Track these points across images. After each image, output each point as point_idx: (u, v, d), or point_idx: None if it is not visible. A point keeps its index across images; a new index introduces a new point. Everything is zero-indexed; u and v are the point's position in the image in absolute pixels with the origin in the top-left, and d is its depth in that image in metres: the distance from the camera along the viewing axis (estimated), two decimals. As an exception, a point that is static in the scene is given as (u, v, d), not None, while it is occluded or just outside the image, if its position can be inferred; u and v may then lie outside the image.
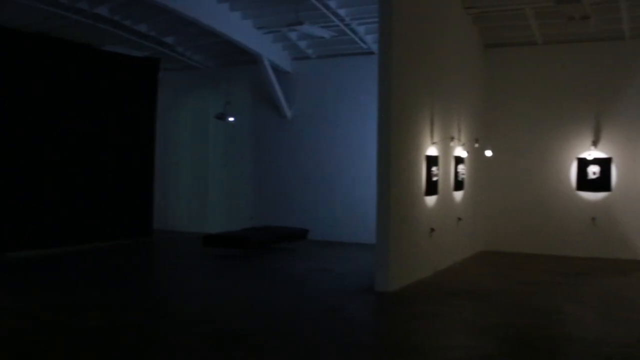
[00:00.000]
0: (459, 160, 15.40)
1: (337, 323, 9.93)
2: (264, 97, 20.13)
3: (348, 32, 17.54)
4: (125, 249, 17.61)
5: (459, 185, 15.48)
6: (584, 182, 16.70)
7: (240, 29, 17.42)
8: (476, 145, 16.19)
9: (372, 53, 17.48)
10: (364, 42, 18.15)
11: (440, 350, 8.63)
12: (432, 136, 13.76)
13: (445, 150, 14.61)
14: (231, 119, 18.13)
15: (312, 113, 19.65)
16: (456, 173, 15.25)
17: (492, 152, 16.66)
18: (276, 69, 19.45)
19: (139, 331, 9.18)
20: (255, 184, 20.58)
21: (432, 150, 13.73)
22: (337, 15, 16.60)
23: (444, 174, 14.57)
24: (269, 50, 18.86)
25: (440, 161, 14.22)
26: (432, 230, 13.74)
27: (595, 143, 16.67)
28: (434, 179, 13.80)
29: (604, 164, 16.52)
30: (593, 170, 16.60)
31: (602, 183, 16.53)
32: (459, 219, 15.55)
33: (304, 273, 14.29)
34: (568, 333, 9.63)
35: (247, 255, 16.31)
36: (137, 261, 16.30)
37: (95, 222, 17.67)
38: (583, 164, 16.70)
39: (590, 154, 16.64)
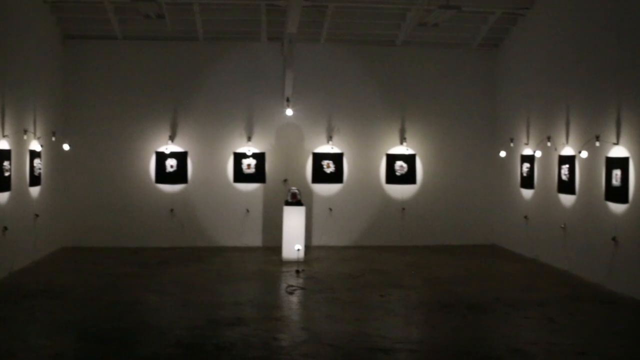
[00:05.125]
0: (34, 154, 14.71)
1: None
2: None
3: None
4: None
5: (35, 180, 14.79)
6: (162, 175, 17.27)
7: None
8: (53, 139, 15.66)
9: None
10: None
11: (10, 355, 8.19)
12: (2, 129, 12.92)
13: (19, 143, 13.83)
14: None
15: None
16: (32, 168, 14.55)
17: (70, 146, 16.24)
18: None
19: None
20: None
21: (3, 144, 12.88)
22: None
23: (18, 168, 13.77)
24: None
25: (13, 155, 13.40)
26: (6, 228, 12.93)
27: (172, 137, 17.41)
28: (6, 174, 12.96)
29: (181, 157, 17.32)
30: (171, 164, 17.27)
31: (179, 175, 17.30)
32: (36, 215, 14.88)
33: None
34: (145, 322, 9.96)
35: None
36: None
37: None
38: (161, 157, 17.26)
39: (168, 147, 17.31)
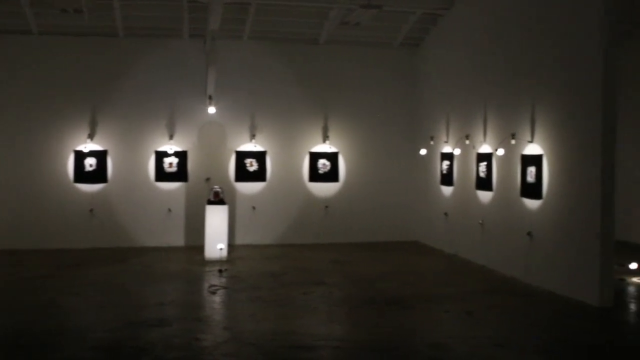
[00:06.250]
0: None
1: None
2: None
3: None
4: None
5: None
6: (81, 175, 16.84)
7: None
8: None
9: None
10: None
11: None
12: None
13: None
14: None
15: None
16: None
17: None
18: None
19: None
20: None
21: None
22: None
23: None
24: None
25: None
26: None
27: (91, 136, 16.98)
28: None
29: (100, 155, 16.92)
30: (90, 163, 16.87)
31: (99, 175, 16.91)
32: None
33: None
34: (62, 325, 9.69)
35: None
36: None
37: None
38: (80, 156, 16.83)
39: (86, 146, 16.88)
